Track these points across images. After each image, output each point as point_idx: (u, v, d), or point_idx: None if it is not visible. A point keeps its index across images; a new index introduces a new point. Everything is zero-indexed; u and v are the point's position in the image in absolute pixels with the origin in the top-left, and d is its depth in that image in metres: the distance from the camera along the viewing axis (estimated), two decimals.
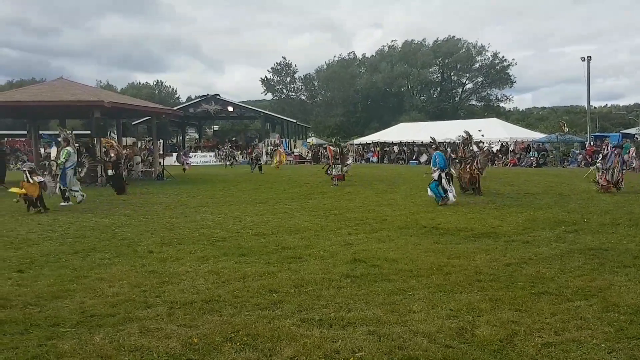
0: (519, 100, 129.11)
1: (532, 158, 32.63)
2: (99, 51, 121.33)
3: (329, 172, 18.42)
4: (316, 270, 6.00)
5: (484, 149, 14.96)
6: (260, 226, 9.24)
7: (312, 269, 6.06)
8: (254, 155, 27.84)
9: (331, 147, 20.32)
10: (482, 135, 14.63)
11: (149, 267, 6.23)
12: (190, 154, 30.41)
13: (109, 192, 15.52)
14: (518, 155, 34.26)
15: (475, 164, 13.95)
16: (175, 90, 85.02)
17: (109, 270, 6.14)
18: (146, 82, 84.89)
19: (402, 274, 5.75)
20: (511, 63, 68.21)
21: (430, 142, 13.71)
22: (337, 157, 19.19)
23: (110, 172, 15.47)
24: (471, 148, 14.39)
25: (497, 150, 36.35)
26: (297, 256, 6.72)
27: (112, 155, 15.63)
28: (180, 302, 4.87)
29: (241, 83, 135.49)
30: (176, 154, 28.00)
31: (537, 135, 38.71)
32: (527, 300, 4.80)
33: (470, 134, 14.63)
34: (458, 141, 15.13)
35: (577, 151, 32.63)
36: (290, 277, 5.68)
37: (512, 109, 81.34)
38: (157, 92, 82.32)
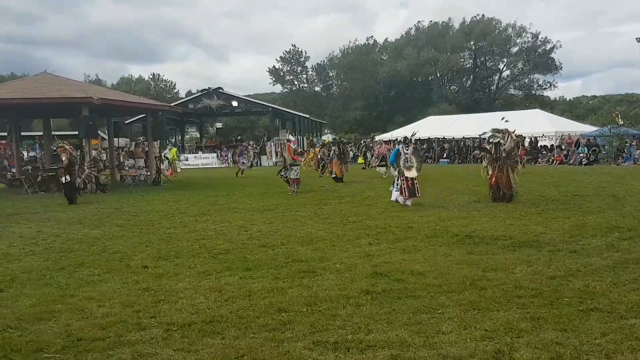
0: (566, 88, 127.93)
1: (581, 155, 32.23)
2: (88, 40, 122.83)
3: (283, 173, 17.29)
4: (331, 285, 5.99)
5: (507, 142, 13.37)
6: (268, 236, 9.27)
7: (326, 284, 6.06)
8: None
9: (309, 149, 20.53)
10: (507, 122, 14.01)
11: (143, 284, 6.29)
12: (243, 154, 30.59)
13: (98, 199, 15.71)
14: (565, 152, 33.87)
15: (506, 159, 13.16)
16: (174, 84, 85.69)
17: (98, 288, 6.22)
18: (140, 76, 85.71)
19: (430, 290, 5.72)
20: (555, 45, 67.51)
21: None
22: (326, 157, 19.36)
23: (63, 178, 15.39)
24: (499, 142, 13.42)
25: (540, 146, 36.05)
26: (309, 270, 6.73)
27: (64, 159, 15.62)
28: (177, 324, 4.90)
29: (247, 74, 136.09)
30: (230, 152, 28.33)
31: (586, 129, 38.21)
32: (574, 319, 4.74)
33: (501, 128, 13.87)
34: (487, 137, 14.54)
35: (634, 146, 32.13)
36: (301, 294, 5.69)
37: (557, 98, 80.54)
38: (153, 86, 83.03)
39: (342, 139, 23.19)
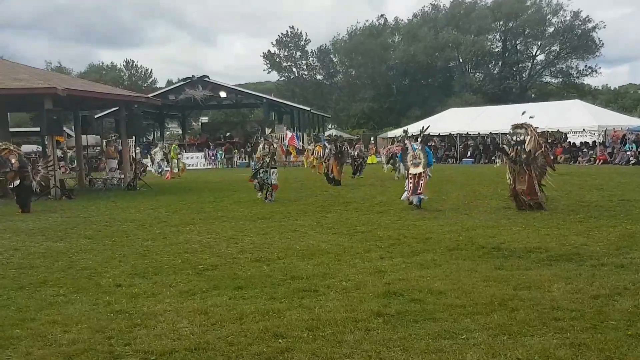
0: (611, 75, 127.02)
1: (628, 152, 32.20)
2: (51, 21, 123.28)
3: (261, 175, 16.59)
4: (337, 307, 5.98)
5: (534, 141, 13.11)
6: (262, 249, 9.26)
7: (331, 305, 6.05)
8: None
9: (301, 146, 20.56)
10: (531, 117, 13.79)
11: (116, 306, 6.28)
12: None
13: (64, 207, 15.74)
14: (609, 149, 33.84)
15: (530, 164, 12.87)
16: (151, 72, 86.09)
17: (64, 310, 6.21)
18: (112, 63, 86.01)
19: (452, 311, 5.71)
20: (598, 25, 67.51)
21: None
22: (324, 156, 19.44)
23: (13, 183, 15.40)
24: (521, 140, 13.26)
25: (581, 143, 36.02)
26: (311, 289, 6.72)
27: (14, 162, 15.68)
28: (156, 352, 4.90)
29: (238, 60, 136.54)
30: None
31: (635, 122, 38.14)
32: (622, 345, 4.72)
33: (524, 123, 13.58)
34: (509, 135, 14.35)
35: None
36: (301, 317, 5.68)
37: (600, 87, 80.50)
38: (126, 75, 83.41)
39: (339, 137, 23.46)
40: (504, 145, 13.70)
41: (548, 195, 13.57)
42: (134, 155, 26.91)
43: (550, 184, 13.44)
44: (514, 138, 13.52)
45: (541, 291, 6.33)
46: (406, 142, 14.56)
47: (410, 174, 13.92)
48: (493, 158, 36.46)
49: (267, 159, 16.50)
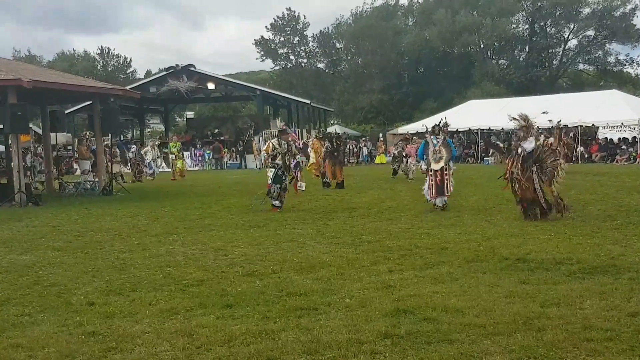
0: None
1: None
2: (17, 3, 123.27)
3: (273, 184, 15.73)
4: (339, 327, 5.98)
5: (550, 140, 13.31)
6: (255, 262, 9.27)
7: (332, 325, 6.05)
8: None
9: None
10: (546, 113, 13.83)
11: (89, 327, 6.28)
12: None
13: (30, 214, 15.75)
14: None
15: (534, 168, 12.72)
16: (129, 61, 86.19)
17: (29, 332, 6.21)
18: (86, 51, 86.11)
19: (470, 332, 5.71)
20: (638, 6, 67.44)
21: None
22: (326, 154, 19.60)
23: None
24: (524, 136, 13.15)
25: (619, 139, 35.99)
26: (310, 306, 6.72)
27: None
28: None
29: (229, 46, 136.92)
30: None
31: None
32: None
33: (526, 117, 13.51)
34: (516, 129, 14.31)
35: None
36: (299, 339, 5.68)
37: None
38: (101, 64, 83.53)
39: (337, 133, 23.61)
40: (498, 142, 13.67)
41: (581, 199, 13.59)
42: (130, 155, 27.06)
43: (560, 184, 12.95)
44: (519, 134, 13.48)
45: (572, 308, 6.32)
46: (427, 136, 15.25)
47: (432, 169, 14.67)
48: (483, 155, 36.50)
49: (287, 157, 15.90)
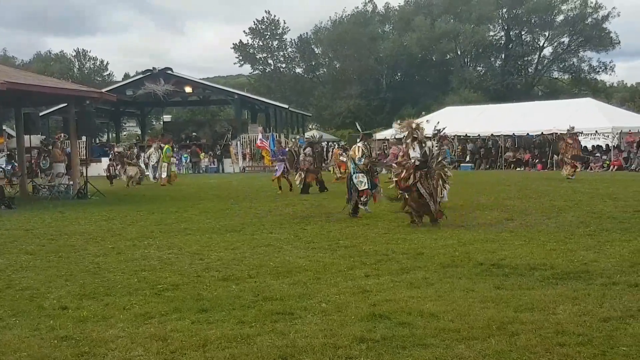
0: (627, 70, 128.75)
1: None
2: None
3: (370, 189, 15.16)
4: (315, 331, 5.99)
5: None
6: (231, 266, 9.24)
7: (308, 330, 6.05)
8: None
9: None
10: (428, 122, 14.34)
11: (61, 331, 6.23)
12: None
13: (2, 218, 15.57)
14: (625, 154, 34.22)
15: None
16: (106, 64, 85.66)
17: (0, 336, 6.15)
18: (62, 52, 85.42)
19: (445, 336, 5.74)
20: (611, 13, 68.23)
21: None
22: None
23: None
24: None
25: (593, 146, 36.36)
26: (286, 311, 6.72)
27: None
28: None
29: (207, 50, 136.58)
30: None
31: None
32: None
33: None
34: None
35: None
36: (274, 344, 5.67)
37: (615, 84, 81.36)
38: (77, 66, 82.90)
39: (317, 139, 23.86)
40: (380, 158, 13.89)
41: (555, 205, 13.74)
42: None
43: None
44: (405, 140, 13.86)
45: (545, 313, 6.38)
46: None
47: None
48: (499, 163, 36.67)
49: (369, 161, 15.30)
